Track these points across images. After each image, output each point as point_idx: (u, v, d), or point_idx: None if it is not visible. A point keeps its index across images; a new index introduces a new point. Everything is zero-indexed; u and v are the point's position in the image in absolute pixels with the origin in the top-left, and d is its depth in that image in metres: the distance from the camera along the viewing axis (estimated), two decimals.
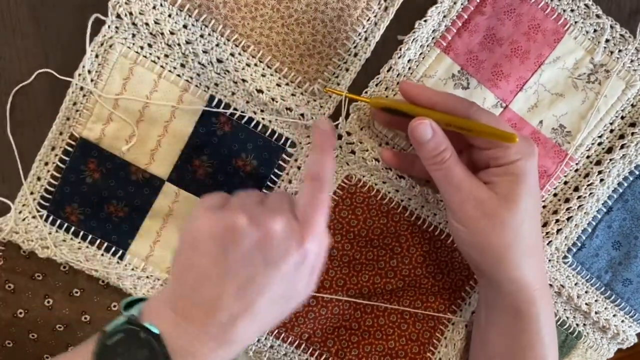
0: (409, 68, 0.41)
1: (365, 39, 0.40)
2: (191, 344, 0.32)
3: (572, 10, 0.40)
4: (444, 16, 0.40)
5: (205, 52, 0.39)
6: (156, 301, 0.34)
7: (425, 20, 0.39)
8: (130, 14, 0.38)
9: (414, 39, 0.39)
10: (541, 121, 0.42)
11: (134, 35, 0.40)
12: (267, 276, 0.32)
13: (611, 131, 0.44)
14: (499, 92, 0.41)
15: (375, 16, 0.40)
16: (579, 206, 0.45)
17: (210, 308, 0.32)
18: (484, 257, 0.38)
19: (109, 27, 0.39)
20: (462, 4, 0.40)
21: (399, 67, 0.40)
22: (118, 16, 0.39)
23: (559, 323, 0.48)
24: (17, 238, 0.42)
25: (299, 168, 0.43)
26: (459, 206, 0.36)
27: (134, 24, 0.39)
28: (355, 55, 0.41)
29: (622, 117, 0.44)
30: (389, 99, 0.40)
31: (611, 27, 0.41)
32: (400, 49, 0.40)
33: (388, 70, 0.40)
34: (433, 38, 0.40)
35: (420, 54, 0.41)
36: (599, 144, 0.44)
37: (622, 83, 0.42)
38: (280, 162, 0.43)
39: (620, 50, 0.41)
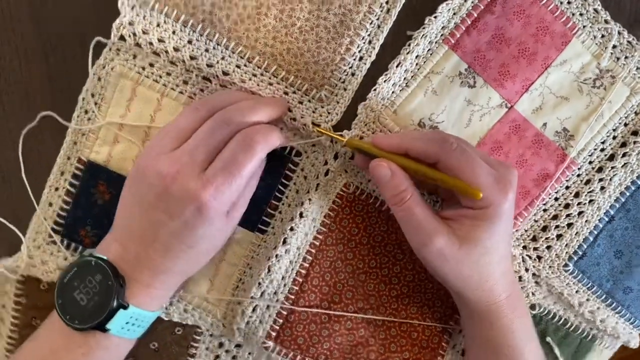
0: (417, 64, 0.39)
1: (369, 42, 0.38)
2: (133, 271, 0.34)
3: (581, 14, 0.38)
4: (454, 13, 0.38)
5: (210, 65, 0.38)
6: (106, 238, 0.37)
7: (435, 17, 0.37)
8: (134, 34, 0.37)
9: (423, 35, 0.37)
10: (545, 123, 0.40)
11: (135, 56, 0.38)
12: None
13: (614, 137, 0.41)
14: (505, 93, 0.39)
15: (377, 19, 0.38)
16: (579, 213, 0.42)
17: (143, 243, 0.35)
18: (445, 283, 0.37)
19: (110, 49, 0.38)
20: (472, 2, 0.38)
21: (407, 63, 0.38)
22: (122, 37, 0.37)
23: (571, 329, 0.44)
24: (35, 272, 0.40)
25: (305, 178, 0.41)
26: (418, 248, 0.35)
27: (137, 44, 0.37)
28: (361, 59, 0.39)
29: (626, 124, 0.41)
30: (362, 141, 0.38)
31: (619, 33, 0.38)
32: (409, 45, 0.38)
33: (397, 66, 0.38)
34: (442, 35, 0.38)
35: (428, 50, 0.39)
36: (602, 149, 0.41)
37: (627, 90, 0.39)
38: (287, 172, 0.40)
39: (626, 57, 0.39)
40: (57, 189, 0.40)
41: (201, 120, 0.35)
